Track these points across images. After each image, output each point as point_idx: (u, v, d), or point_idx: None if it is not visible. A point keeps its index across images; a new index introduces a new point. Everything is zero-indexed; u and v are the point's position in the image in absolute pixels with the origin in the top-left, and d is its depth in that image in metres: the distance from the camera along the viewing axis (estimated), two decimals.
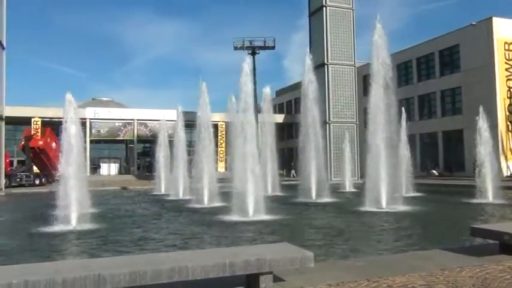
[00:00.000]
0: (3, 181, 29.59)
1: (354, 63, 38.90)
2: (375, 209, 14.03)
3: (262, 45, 61.31)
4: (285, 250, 5.23)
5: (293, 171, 46.14)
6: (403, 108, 22.57)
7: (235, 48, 57.93)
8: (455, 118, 39.76)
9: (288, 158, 49.29)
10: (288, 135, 55.82)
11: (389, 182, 14.64)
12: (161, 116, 31.53)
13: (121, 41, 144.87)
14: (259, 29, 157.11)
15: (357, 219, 12.60)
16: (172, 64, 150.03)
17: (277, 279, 4.96)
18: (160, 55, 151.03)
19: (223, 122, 48.23)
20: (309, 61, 21.02)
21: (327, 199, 18.48)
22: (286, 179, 35.82)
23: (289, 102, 63.18)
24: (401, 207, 14.24)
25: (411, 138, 23.89)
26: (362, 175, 32.18)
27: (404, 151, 21.90)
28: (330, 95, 37.67)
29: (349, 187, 26.14)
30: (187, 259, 4.75)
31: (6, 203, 21.49)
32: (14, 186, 32.02)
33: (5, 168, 31.42)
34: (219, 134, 50.51)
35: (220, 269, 4.56)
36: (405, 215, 13.11)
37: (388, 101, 15.20)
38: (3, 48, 28.98)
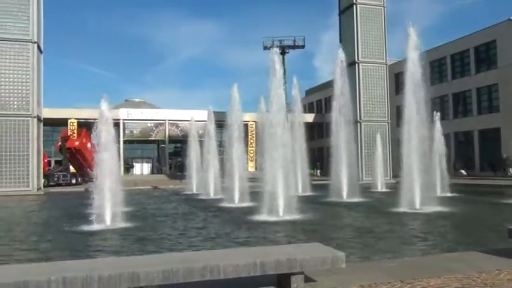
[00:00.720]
0: (42, 180, 30.60)
1: (386, 61, 38.26)
2: (408, 210, 13.74)
3: (292, 44, 61.13)
4: (316, 250, 5.20)
5: (318, 171, 45.86)
6: (437, 107, 22.03)
7: (265, 47, 57.97)
8: (492, 116, 38.47)
9: (318, 157, 48.96)
10: (318, 134, 55.41)
11: (423, 182, 14.31)
12: (192, 116, 31.87)
13: (153, 42, 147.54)
14: (289, 28, 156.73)
15: (389, 220, 12.38)
16: (203, 65, 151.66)
17: (308, 279, 4.94)
18: (192, 56, 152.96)
19: (253, 121, 48.39)
20: (339, 60, 20.82)
21: (358, 199, 18.25)
22: (316, 178, 35.58)
23: (319, 101, 62.75)
24: (436, 208, 13.89)
25: (445, 137, 23.26)
26: (394, 175, 31.64)
27: (439, 150, 21.38)
28: (361, 94, 37.18)
29: (381, 187, 25.72)
30: (218, 258, 4.79)
31: (44, 202, 22.24)
32: (51, 186, 33.12)
33: (44, 168, 32.55)
34: (249, 133, 50.66)
35: (251, 268, 4.58)
36: (439, 216, 12.79)
37: (422, 99, 14.85)
38: (41, 52, 29.99)
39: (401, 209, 13.86)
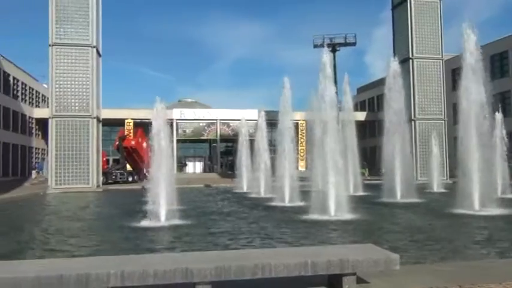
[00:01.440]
0: (101, 178, 32.06)
1: (442, 57, 36.76)
2: (466, 211, 13.13)
3: (343, 41, 60.14)
4: (368, 251, 5.11)
5: (367, 170, 44.57)
6: (498, 103, 20.88)
7: (315, 46, 57.41)
8: None
9: (371, 156, 47.89)
10: (370, 133, 54.22)
11: (482, 182, 13.61)
12: (243, 116, 32.18)
13: (205, 44, 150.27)
14: (339, 25, 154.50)
15: (446, 222, 11.89)
16: (253, 64, 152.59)
17: (360, 280, 4.87)
18: (242, 56, 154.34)
19: (303, 120, 48.09)
20: (393, 56, 20.27)
21: (412, 199, 17.66)
22: (368, 178, 34.82)
23: (371, 99, 61.30)
24: (497, 210, 13.17)
25: (508, 135, 21.99)
26: (451, 175, 30.36)
27: (500, 149, 20.27)
28: (416, 91, 35.97)
29: (437, 187, 24.77)
30: (270, 257, 4.82)
31: (103, 199, 23.28)
32: (109, 183, 34.60)
33: (102, 166, 34.09)
34: (300, 132, 50.41)
35: (303, 268, 4.57)
36: (500, 218, 12.13)
37: (481, 96, 14.14)
38: (100, 56, 31.41)
39: (459, 211, 13.25)
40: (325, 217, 12.20)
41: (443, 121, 36.28)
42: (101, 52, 31.48)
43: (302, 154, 51.50)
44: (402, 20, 37.35)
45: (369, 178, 34.60)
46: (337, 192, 12.75)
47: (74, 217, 14.63)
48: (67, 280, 4.15)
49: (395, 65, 20.19)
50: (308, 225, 11.39)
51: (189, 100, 71.34)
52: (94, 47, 29.68)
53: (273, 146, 22.28)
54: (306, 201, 15.00)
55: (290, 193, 17.54)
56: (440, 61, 36.70)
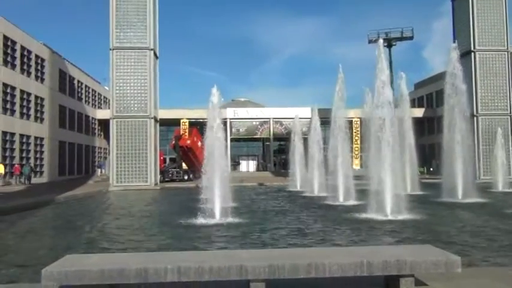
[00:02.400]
0: (158, 176, 33.15)
1: (507, 48, 34.65)
2: None
3: (399, 36, 58.41)
4: (427, 252, 4.93)
5: (425, 169, 42.84)
6: None
7: (370, 41, 56.18)
8: None
9: (429, 154, 46.12)
10: (428, 130, 52.20)
11: None
12: (296, 114, 32.05)
13: (258, 43, 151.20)
14: (395, 19, 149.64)
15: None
16: (306, 62, 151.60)
17: (419, 282, 4.71)
18: (295, 54, 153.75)
19: (358, 118, 47.18)
20: (453, 49, 19.38)
21: (475, 199, 16.82)
22: (427, 176, 33.57)
23: (429, 95, 58.90)
24: None
25: None
26: None
27: None
28: (478, 85, 34.20)
29: (502, 186, 23.41)
30: (324, 256, 4.78)
31: (161, 197, 24.07)
32: (166, 181, 35.72)
33: (160, 165, 35.24)
34: (354, 130, 49.50)
35: (358, 268, 4.49)
36: None
37: None
38: (157, 58, 32.46)
39: None
40: (381, 216, 11.91)
41: (508, 116, 34.25)
42: (158, 54, 32.52)
43: (356, 152, 50.55)
44: (463, 11, 35.61)
45: (427, 177, 33.36)
46: (394, 191, 12.40)
47: (134, 214, 15.24)
48: (127, 273, 4.34)
49: (456, 58, 19.30)
50: (363, 224, 11.16)
51: (242, 99, 72.07)
52: (151, 49, 30.73)
53: (326, 144, 22.01)
54: (360, 200, 14.73)
55: (344, 192, 17.27)
56: (506, 53, 34.63)
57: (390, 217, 11.86)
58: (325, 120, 25.09)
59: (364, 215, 12.23)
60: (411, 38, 59.06)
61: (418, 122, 35.18)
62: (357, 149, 50.39)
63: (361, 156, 48.66)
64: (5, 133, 33.87)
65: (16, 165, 34.83)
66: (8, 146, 34.51)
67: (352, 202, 16.16)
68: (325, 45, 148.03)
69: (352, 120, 47.84)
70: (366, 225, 10.99)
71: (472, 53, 34.19)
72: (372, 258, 4.57)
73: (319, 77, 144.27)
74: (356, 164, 49.61)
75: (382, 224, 11.14)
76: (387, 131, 12.99)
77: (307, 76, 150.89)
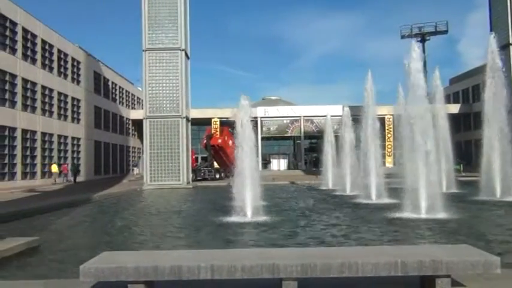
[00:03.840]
0: (190, 175, 33.58)
1: None
2: None
3: (433, 30, 57.02)
4: (464, 252, 4.80)
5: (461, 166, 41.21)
6: None
7: (403, 36, 55.10)
8: None
9: (466, 151, 44.77)
10: (465, 126, 50.70)
11: None
12: (327, 112, 31.79)
13: (288, 40, 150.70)
14: (428, 12, 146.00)
15: None
16: (337, 59, 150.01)
17: (455, 283, 4.59)
18: (326, 51, 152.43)
19: (390, 115, 46.37)
20: (492, 41, 18.71)
21: None
22: (463, 174, 32.62)
23: (465, 90, 57.19)
24: None
25: None
26: None
27: None
28: None
29: None
30: (357, 255, 4.73)
31: (193, 195, 24.38)
32: (198, 180, 36.13)
33: (192, 164, 35.70)
34: (387, 127, 48.67)
35: (392, 267, 4.42)
36: None
37: None
38: (188, 58, 32.87)
39: None
40: (415, 215, 11.65)
41: None
42: (189, 54, 32.92)
43: (389, 150, 49.69)
44: (500, 3, 34.38)
45: (463, 174, 32.42)
46: (429, 189, 12.11)
47: (167, 212, 15.51)
48: (162, 271, 4.42)
49: (496, 49, 18.61)
50: (397, 223, 10.96)
51: (273, 98, 72.03)
52: (183, 50, 31.13)
53: (358, 142, 21.71)
54: (394, 198, 14.47)
55: (377, 190, 17.01)
56: None
57: (425, 216, 11.60)
58: (357, 118, 24.77)
59: (398, 214, 12.00)
60: (445, 32, 57.53)
61: (453, 118, 34.20)
62: (389, 146, 49.54)
63: (394, 154, 47.78)
64: (44, 134, 35.13)
65: (64, 165, 36.92)
66: (46, 146, 35.77)
67: (385, 200, 15.90)
68: (357, 41, 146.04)
69: (384, 118, 47.07)
70: (400, 224, 10.79)
71: (510, 46, 32.96)
72: (407, 258, 4.49)
73: (351, 74, 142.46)
74: (389, 162, 48.79)
75: (417, 223, 10.90)
76: (421, 128, 12.70)
77: (339, 73, 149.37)
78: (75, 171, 37.90)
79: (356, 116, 24.60)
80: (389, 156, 49.85)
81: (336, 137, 27.34)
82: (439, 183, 16.81)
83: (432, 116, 17.79)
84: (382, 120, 22.55)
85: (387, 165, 46.54)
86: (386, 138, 48.96)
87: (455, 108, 50.11)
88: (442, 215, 11.57)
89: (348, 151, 23.67)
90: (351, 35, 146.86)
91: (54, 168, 35.41)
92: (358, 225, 11.00)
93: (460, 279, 4.68)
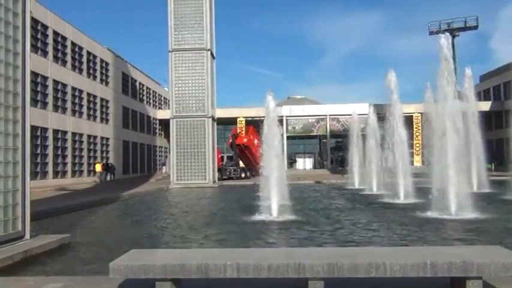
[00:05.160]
0: (216, 174, 33.80)
1: None
2: None
3: (463, 26, 55.65)
4: (496, 254, 4.67)
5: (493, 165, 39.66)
6: None
7: (431, 33, 54.01)
8: None
9: (498, 150, 43.52)
10: (496, 124, 49.28)
11: None
12: (353, 111, 31.45)
13: (313, 39, 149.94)
14: (458, 8, 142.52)
15: None
16: (364, 57, 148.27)
17: (487, 285, 4.47)
18: (352, 49, 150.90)
19: (418, 113, 45.53)
20: None
21: None
22: (495, 173, 31.70)
23: (496, 87, 55.54)
24: None
25: None
26: None
27: None
28: None
29: None
30: (385, 255, 4.67)
31: (219, 194, 24.53)
32: (224, 179, 36.33)
33: (217, 163, 35.94)
34: (415, 126, 47.82)
35: (421, 268, 4.34)
36: None
37: None
38: (214, 58, 33.08)
39: None
40: (445, 216, 11.41)
41: None
42: (214, 54, 33.14)
43: (417, 149, 48.80)
44: None
45: (495, 174, 31.52)
46: (459, 189, 11.83)
47: (193, 210, 15.67)
48: (189, 269, 4.48)
49: None
50: (426, 223, 10.76)
51: (298, 97, 71.79)
52: (208, 50, 31.35)
53: (385, 141, 21.39)
54: (422, 198, 14.21)
55: (404, 190, 16.73)
56: None
57: (455, 216, 11.34)
58: (384, 116, 24.42)
59: (426, 214, 11.79)
60: (476, 27, 56.06)
61: (484, 116, 33.26)
62: (417, 145, 48.65)
63: (422, 152, 46.91)
64: (74, 134, 36.03)
65: (101, 164, 38.55)
66: (77, 146, 36.68)
67: (413, 200, 15.64)
68: (383, 38, 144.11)
69: (412, 116, 46.25)
70: (429, 225, 10.58)
71: None
72: (436, 258, 4.40)
73: (377, 72, 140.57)
74: (417, 161, 47.94)
75: (447, 223, 10.68)
76: (451, 126, 12.42)
77: (365, 71, 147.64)
78: (111, 170, 39.88)
79: (382, 114, 24.27)
80: (417, 155, 48.95)
81: (362, 136, 27.03)
82: (470, 183, 16.44)
83: (462, 113, 17.42)
84: (410, 119, 22.25)
85: (415, 164, 45.73)
86: (414, 136, 48.11)
87: (486, 106, 48.74)
88: (472, 215, 11.30)
89: (374, 150, 23.37)
90: (377, 32, 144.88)
91: (98, 167, 37.62)
92: (385, 225, 10.85)
93: (492, 281, 4.56)
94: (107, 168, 39.48)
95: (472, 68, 23.49)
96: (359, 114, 30.68)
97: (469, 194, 12.20)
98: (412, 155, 45.32)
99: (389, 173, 19.12)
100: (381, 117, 24.90)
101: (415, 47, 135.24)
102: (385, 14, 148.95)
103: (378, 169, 22.43)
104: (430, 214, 11.72)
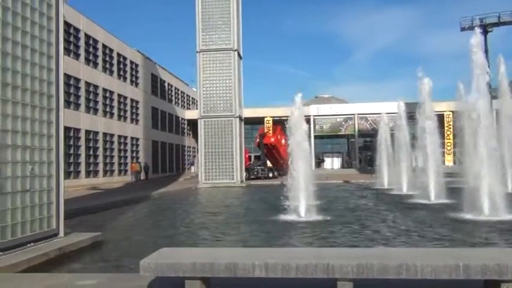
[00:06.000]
0: (244, 174, 33.93)
1: None
2: None
3: (496, 21, 53.97)
4: None
5: None
6: None
7: (463, 29, 52.50)
8: None
9: None
10: None
11: None
12: (382, 109, 31.00)
13: (341, 37, 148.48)
14: (490, 3, 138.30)
15: None
16: (393, 54, 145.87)
17: None
18: (381, 47, 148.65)
19: (450, 111, 44.46)
20: None
21: None
22: None
23: None
24: None
25: None
26: None
27: None
28: None
29: None
30: (416, 257, 4.59)
31: (247, 193, 24.61)
32: (252, 179, 36.42)
33: (245, 163, 36.07)
34: (446, 124, 46.72)
35: (453, 271, 4.24)
36: None
37: None
38: (241, 58, 33.22)
39: None
40: (478, 217, 11.10)
41: None
42: (241, 54, 33.28)
43: (449, 148, 47.67)
44: None
45: None
46: (493, 189, 11.49)
47: (222, 210, 15.78)
48: (217, 267, 4.52)
49: None
50: (458, 225, 10.50)
51: (326, 96, 71.29)
52: (235, 50, 31.50)
53: (415, 140, 20.97)
54: (454, 198, 13.86)
55: (436, 190, 16.36)
56: None
57: (488, 217, 11.02)
58: (414, 115, 23.96)
59: (458, 215, 11.50)
60: (510, 22, 54.21)
61: None
62: (449, 144, 47.52)
63: (454, 152, 45.80)
64: (105, 134, 36.88)
65: (132, 164, 39.82)
66: (108, 146, 37.52)
67: (444, 201, 15.28)
68: (413, 35, 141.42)
69: (443, 114, 45.22)
70: (461, 226, 10.33)
71: None
72: (469, 261, 4.29)
73: (407, 69, 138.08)
74: (448, 161, 46.83)
75: (479, 225, 10.40)
76: (483, 124, 12.08)
77: (395, 69, 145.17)
78: (146, 170, 41.27)
79: (412, 113, 23.81)
80: (448, 154, 47.82)
81: (392, 135, 26.60)
82: (504, 183, 15.93)
83: (496, 111, 16.89)
84: (441, 117, 21.71)
85: (447, 163, 44.68)
86: (446, 135, 47.03)
87: None
88: (507, 216, 10.96)
89: (404, 149, 22.97)
90: (407, 29, 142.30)
91: (137, 167, 39.18)
92: (416, 226, 10.65)
93: None
94: (143, 168, 40.60)
95: (506, 64, 22.70)
96: (388, 113, 30.22)
97: (503, 194, 11.83)
98: (443, 154, 44.26)
99: (419, 173, 18.75)
100: (411, 116, 24.44)
101: (447, 44, 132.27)
102: (416, 10, 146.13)
103: (408, 169, 22.03)
104: (462, 215, 11.43)
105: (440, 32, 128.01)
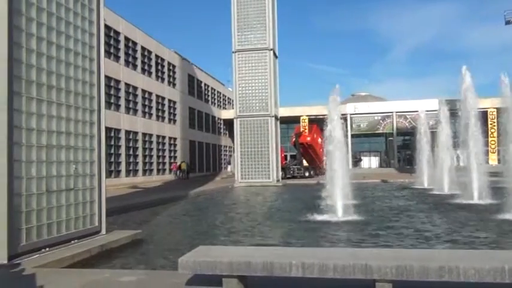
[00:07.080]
0: (280, 173, 33.90)
1: None
2: None
3: None
4: None
5: None
6: None
7: (507, 22, 50.36)
8: None
9: None
10: None
11: None
12: (421, 107, 30.17)
13: (379, 33, 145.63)
14: None
15: None
16: (433, 50, 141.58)
17: None
18: (420, 42, 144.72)
19: (494, 108, 42.78)
20: None
21: None
22: None
23: None
24: None
25: None
26: None
27: None
28: None
29: None
30: (458, 259, 4.45)
31: (283, 193, 24.57)
32: (288, 178, 36.33)
33: (281, 162, 36.03)
34: (489, 122, 44.99)
35: (498, 273, 4.09)
36: None
37: None
38: (276, 57, 33.19)
39: None
40: None
41: None
42: (277, 53, 33.25)
43: (493, 146, 45.89)
44: None
45: None
46: None
47: (259, 209, 15.84)
48: (254, 266, 4.54)
49: None
50: (503, 225, 10.10)
51: (363, 94, 70.14)
52: (271, 49, 31.51)
53: (457, 138, 20.26)
54: (498, 199, 13.33)
55: (479, 190, 15.77)
56: None
57: None
58: (455, 112, 23.19)
59: (503, 216, 11.05)
60: None
61: None
62: (493, 142, 45.74)
63: (498, 150, 44.06)
64: (144, 134, 37.76)
65: (174, 163, 41.53)
66: (147, 146, 38.41)
67: (488, 201, 14.71)
68: (454, 30, 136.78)
69: (487, 111, 43.58)
70: (506, 227, 9.92)
71: None
72: None
73: (448, 65, 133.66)
74: (492, 160, 45.08)
75: None
76: None
77: (435, 65, 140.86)
78: (189, 168, 42.36)
79: (454, 110, 23.04)
80: (492, 153, 46.02)
81: (432, 133, 25.86)
82: None
83: None
84: (484, 114, 20.88)
85: (491, 162, 43.00)
86: (490, 133, 45.30)
87: None
88: None
89: (445, 148, 22.28)
90: (447, 23, 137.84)
91: (184, 165, 41.19)
92: (458, 227, 10.31)
93: None
94: (187, 166, 42.06)
95: None
96: (428, 111, 29.38)
97: None
98: (487, 152, 42.65)
99: (462, 172, 18.13)
100: (453, 113, 23.66)
101: (490, 38, 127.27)
102: (456, 3, 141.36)
103: (449, 168, 21.35)
104: (507, 216, 10.98)
105: (482, 26, 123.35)
